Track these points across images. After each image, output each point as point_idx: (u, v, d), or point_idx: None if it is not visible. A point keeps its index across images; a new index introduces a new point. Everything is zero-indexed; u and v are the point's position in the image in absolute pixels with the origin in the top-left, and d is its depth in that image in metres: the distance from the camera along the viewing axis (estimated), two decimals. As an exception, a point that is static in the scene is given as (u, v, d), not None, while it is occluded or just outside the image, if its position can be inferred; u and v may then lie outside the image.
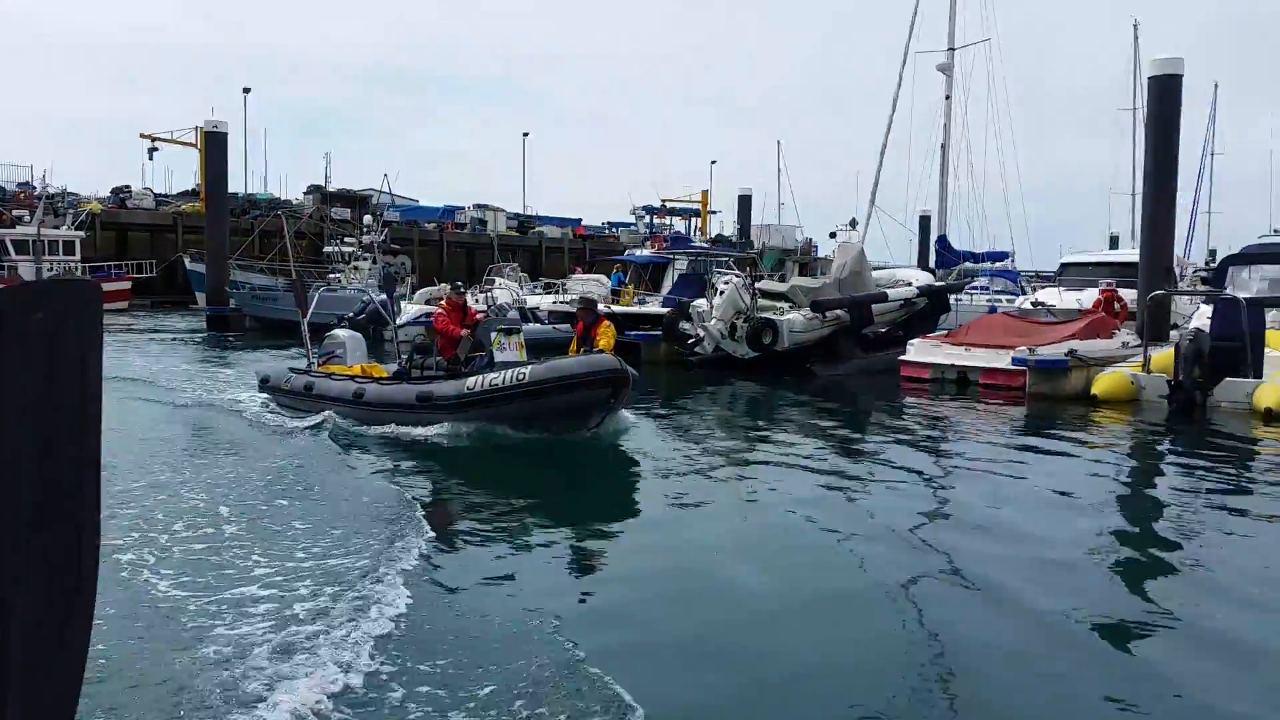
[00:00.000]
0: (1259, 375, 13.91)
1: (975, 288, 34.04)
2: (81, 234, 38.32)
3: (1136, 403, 14.34)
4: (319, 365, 13.73)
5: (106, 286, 37.62)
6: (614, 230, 71.56)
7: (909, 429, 13.16)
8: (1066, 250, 35.57)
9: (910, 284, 21.24)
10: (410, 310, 26.41)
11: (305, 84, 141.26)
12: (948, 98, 31.14)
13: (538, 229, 65.69)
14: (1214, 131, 61.01)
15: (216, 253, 29.88)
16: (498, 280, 30.39)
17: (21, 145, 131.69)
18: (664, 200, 79.18)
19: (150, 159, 49.09)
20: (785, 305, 19.37)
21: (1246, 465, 10.85)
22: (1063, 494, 9.03)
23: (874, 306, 19.42)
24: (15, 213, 37.66)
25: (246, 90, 58.53)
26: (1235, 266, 23.72)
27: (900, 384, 17.08)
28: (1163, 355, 14.76)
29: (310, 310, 14.82)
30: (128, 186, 51.68)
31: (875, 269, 25.87)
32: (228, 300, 29.15)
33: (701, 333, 18.51)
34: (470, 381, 11.16)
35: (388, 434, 11.34)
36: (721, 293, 18.73)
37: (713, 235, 70.23)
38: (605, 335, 11.92)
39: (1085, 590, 6.15)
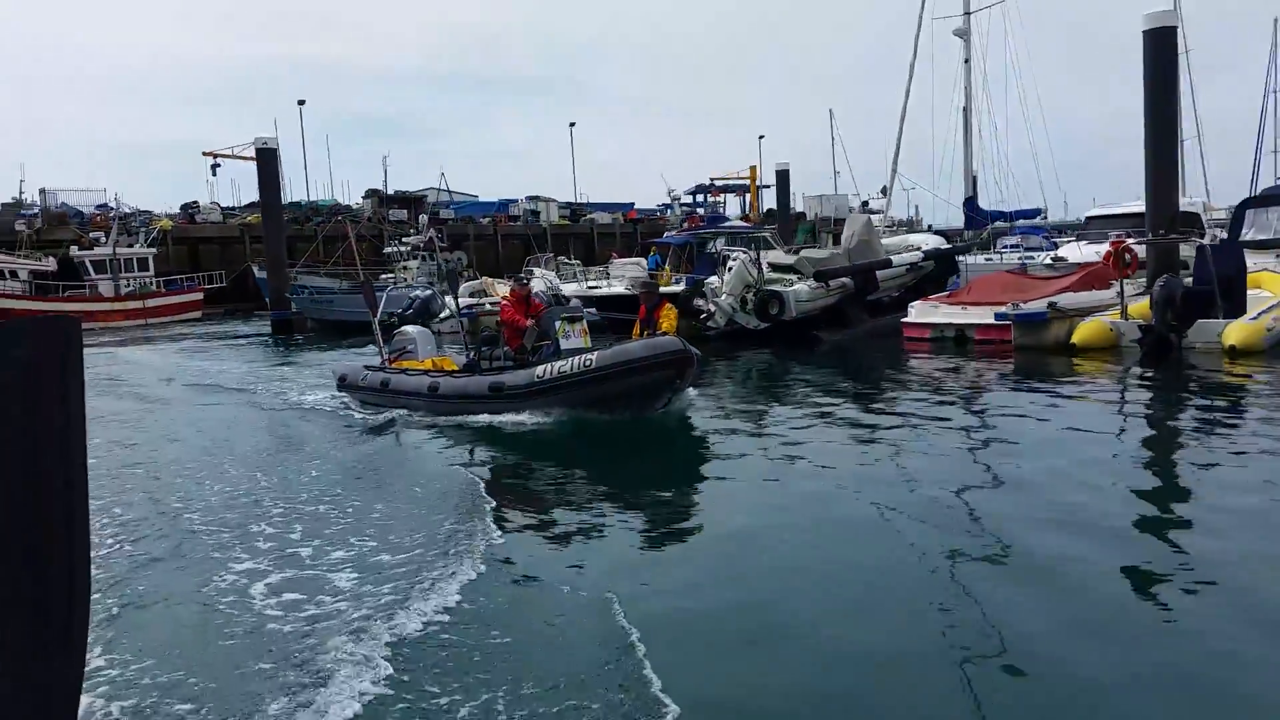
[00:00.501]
0: (1232, 316, 14.53)
1: (1007, 245, 34.43)
2: (154, 250, 40.66)
3: (1116, 349, 15.08)
4: (390, 362, 13.99)
5: (180, 298, 40.12)
6: (663, 213, 72.47)
7: (907, 387, 13.93)
8: (1100, 202, 35.60)
9: (919, 249, 21.99)
10: (451, 304, 27.91)
11: (361, 91, 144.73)
12: (966, 61, 31.65)
13: (589, 216, 66.98)
14: (1275, 68, 59.69)
15: (276, 261, 31.75)
16: (536, 270, 31.71)
17: (94, 171, 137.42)
18: (712, 179, 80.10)
19: (214, 175, 51.49)
20: (794, 277, 20.32)
21: (1209, 399, 11.70)
22: (1040, 439, 9.85)
23: (881, 273, 20.25)
24: (92, 235, 40.13)
25: (301, 102, 61.07)
26: (1254, 209, 24.00)
27: (903, 344, 17.96)
28: (1143, 303, 15.44)
29: (379, 309, 15.10)
30: (196, 202, 54.38)
31: (905, 230, 26.54)
32: (290, 305, 30.97)
33: (714, 308, 19.58)
34: (540, 370, 11.40)
35: (462, 424, 11.59)
36: (730, 269, 19.76)
37: (764, 210, 70.97)
38: (668, 317, 12.15)
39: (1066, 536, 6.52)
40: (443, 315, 27.41)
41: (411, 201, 59.07)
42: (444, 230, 51.52)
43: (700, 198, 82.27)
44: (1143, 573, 5.78)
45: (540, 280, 30.37)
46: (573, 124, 74.98)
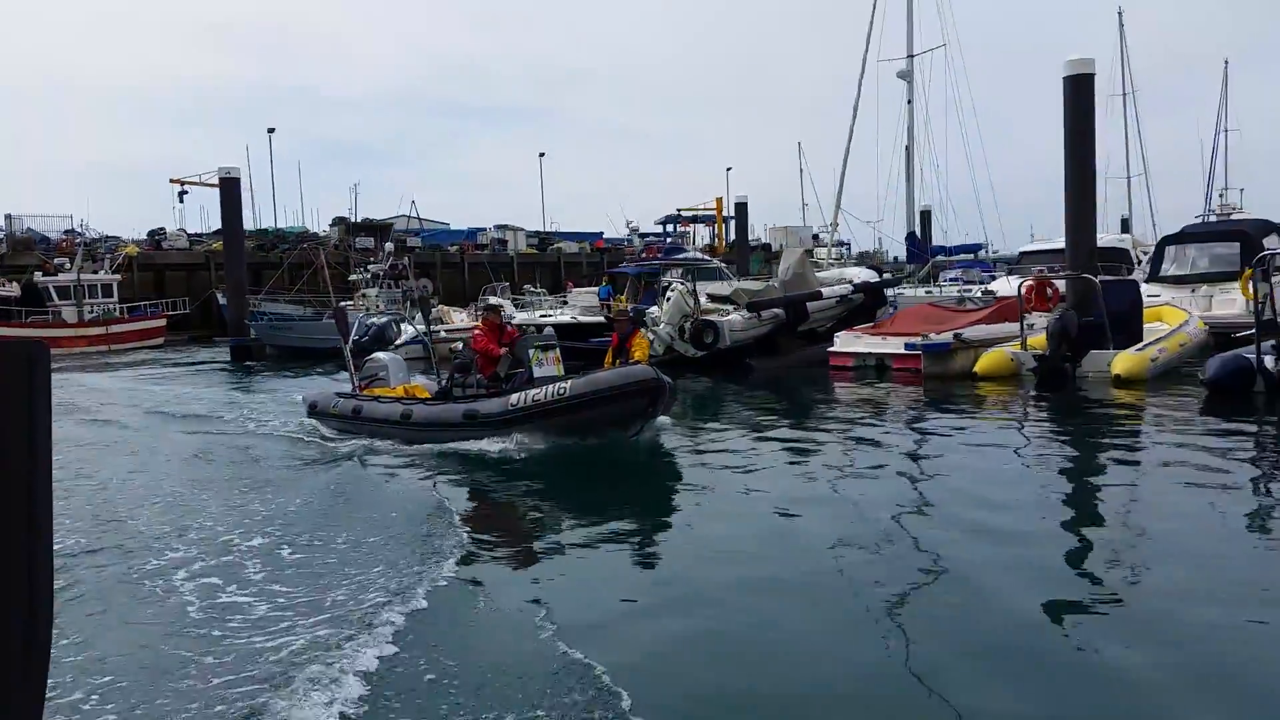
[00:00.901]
0: (1122, 347, 15.52)
1: (949, 278, 35.62)
2: (118, 277, 41.11)
3: (1016, 377, 16.03)
4: (362, 388, 13.85)
5: (143, 324, 40.53)
6: (629, 243, 73.56)
7: (828, 411, 14.65)
8: (1038, 237, 36.92)
9: (849, 283, 23.00)
10: (409, 331, 28.64)
11: (338, 117, 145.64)
12: (910, 102, 32.86)
13: (557, 245, 67.94)
14: (1226, 109, 61.92)
15: (235, 288, 32.38)
16: (491, 299, 32.51)
17: (64, 193, 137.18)
18: (679, 210, 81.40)
19: (181, 201, 52.04)
20: (730, 307, 21.24)
21: (1091, 421, 12.74)
22: (941, 457, 10.75)
23: (812, 304, 21.20)
24: (57, 261, 40.57)
25: (271, 130, 62.23)
26: (1173, 246, 25.23)
27: (829, 373, 18.88)
28: (1042, 335, 16.43)
29: (350, 336, 15.02)
30: (163, 229, 54.91)
31: (853, 263, 27.59)
32: (248, 331, 31.56)
33: (652, 336, 20.43)
34: (514, 398, 11.49)
35: (431, 451, 11.56)
36: (669, 299, 20.65)
37: (730, 241, 72.11)
38: (640, 347, 12.45)
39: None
40: (399, 342, 28.11)
41: (378, 229, 59.76)
42: (410, 258, 52.33)
43: (671, 227, 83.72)
44: (1039, 577, 6.35)
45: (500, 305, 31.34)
46: (542, 154, 76.28)
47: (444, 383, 13.12)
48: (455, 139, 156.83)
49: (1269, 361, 12.47)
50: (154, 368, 29.17)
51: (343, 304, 28.76)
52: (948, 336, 16.91)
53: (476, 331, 13.31)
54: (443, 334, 28.30)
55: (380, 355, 14.89)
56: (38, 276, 38.52)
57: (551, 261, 64.91)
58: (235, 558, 7.37)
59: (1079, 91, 22.79)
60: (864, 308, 22.33)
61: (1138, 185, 51.87)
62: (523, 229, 69.16)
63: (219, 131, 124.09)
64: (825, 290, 21.60)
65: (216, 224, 60.33)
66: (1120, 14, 51.14)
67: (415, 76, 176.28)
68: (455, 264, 60.09)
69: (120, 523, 8.89)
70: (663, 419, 12.20)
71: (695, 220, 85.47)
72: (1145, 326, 16.79)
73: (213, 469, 11.57)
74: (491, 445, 11.34)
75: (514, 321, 27.64)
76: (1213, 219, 31.47)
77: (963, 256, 36.11)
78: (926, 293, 29.19)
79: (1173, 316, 17.91)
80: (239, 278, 32.56)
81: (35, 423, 1.03)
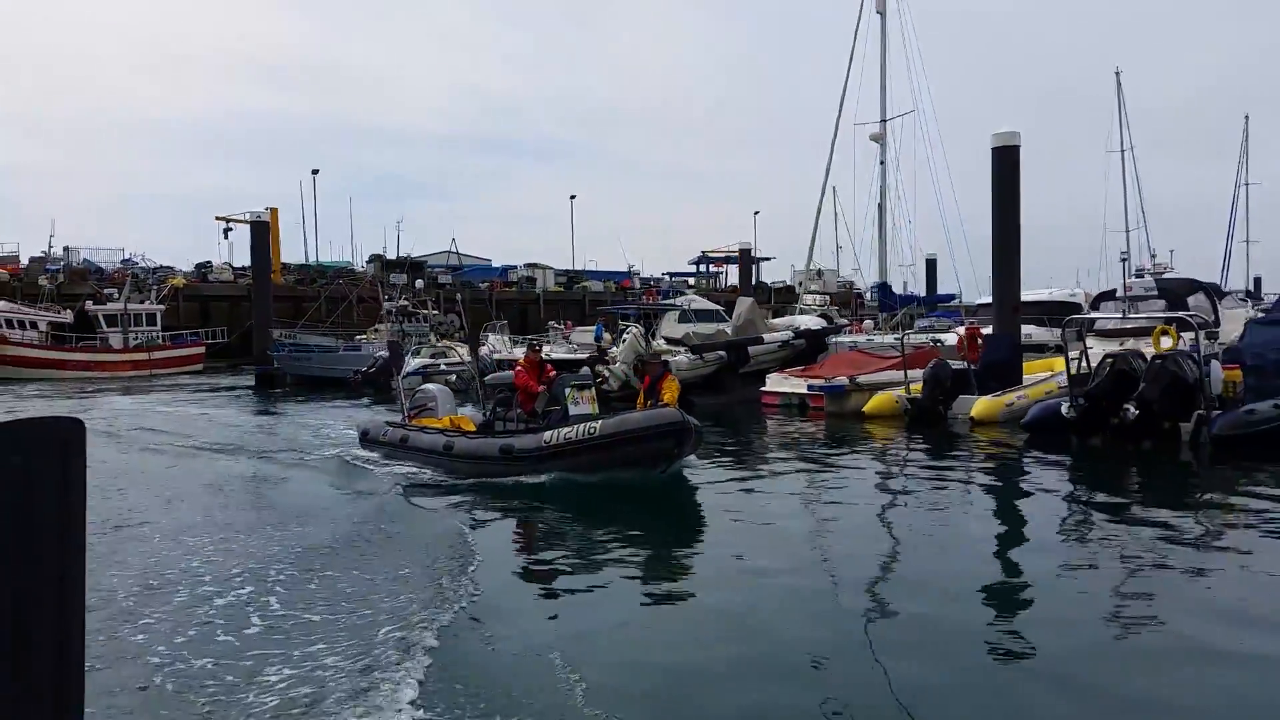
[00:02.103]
0: (989, 392, 17.73)
1: (923, 325, 37.77)
2: (162, 307, 44.61)
3: (899, 417, 18.31)
4: (411, 418, 14.41)
5: (183, 351, 43.89)
6: (654, 283, 76.21)
7: (747, 440, 17.16)
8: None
9: (791, 330, 25.40)
10: (413, 363, 31.43)
11: (388, 153, 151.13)
12: (882, 163, 35.23)
13: (583, 284, 70.83)
14: (1246, 163, 63.41)
15: (261, 321, 35.54)
16: (490, 336, 35.24)
17: (126, 222, 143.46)
18: (704, 251, 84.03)
19: (225, 238, 55.64)
20: (682, 349, 23.75)
21: (940, 453, 15.11)
22: (820, 477, 13.10)
23: (754, 348, 23.62)
24: (106, 291, 44.20)
25: (315, 171, 65.90)
26: (1107, 302, 27.34)
27: (762, 409, 21.28)
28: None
29: (404, 369, 16.15)
30: (209, 262, 58.82)
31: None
32: (271, 360, 34.63)
33: (608, 373, 22.98)
34: (547, 435, 11.90)
35: (472, 483, 12.08)
36: (624, 341, 23.21)
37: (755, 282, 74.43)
38: (670, 389, 12.72)
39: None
40: (404, 373, 30.90)
41: (411, 266, 63.13)
42: (440, 295, 55.56)
43: (703, 267, 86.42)
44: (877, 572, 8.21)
45: (490, 346, 34.06)
46: (573, 196, 79.34)
47: (487, 415, 13.82)
48: (501, 175, 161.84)
49: (1064, 409, 14.73)
50: (185, 392, 32.24)
51: (395, 338, 31.31)
52: (843, 380, 19.26)
53: (518, 368, 13.92)
54: (443, 367, 31.09)
55: (430, 387, 15.45)
56: (89, 305, 42.06)
57: (578, 299, 67.67)
58: (258, 588, 7.60)
59: (1004, 162, 25.04)
60: (807, 351, 24.67)
61: (1138, 239, 53.35)
62: (551, 268, 72.14)
63: (274, 167, 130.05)
64: (767, 336, 24.01)
65: (245, 260, 64.70)
66: (1118, 73, 52.98)
67: (462, 114, 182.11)
68: (484, 301, 63.11)
69: (128, 552, 9.07)
70: (690, 457, 12.65)
71: (727, 260, 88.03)
72: (1032, 375, 18.98)
73: (227, 497, 12.10)
74: (526, 479, 11.80)
75: (495, 357, 30.35)
76: (1148, 279, 33.32)
77: (941, 307, 38.19)
78: (867, 340, 31.39)
79: (1060, 366, 20.03)
80: (264, 311, 35.71)
81: (68, 504, 1.01)
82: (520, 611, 7.06)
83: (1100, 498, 11.53)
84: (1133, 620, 6.65)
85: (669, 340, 24.25)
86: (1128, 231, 54.04)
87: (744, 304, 25.23)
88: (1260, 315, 19.17)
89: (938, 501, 11.28)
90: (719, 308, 40.48)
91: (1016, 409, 17.11)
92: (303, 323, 43.76)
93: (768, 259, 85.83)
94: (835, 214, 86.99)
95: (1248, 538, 9.03)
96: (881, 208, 34.35)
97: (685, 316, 33.12)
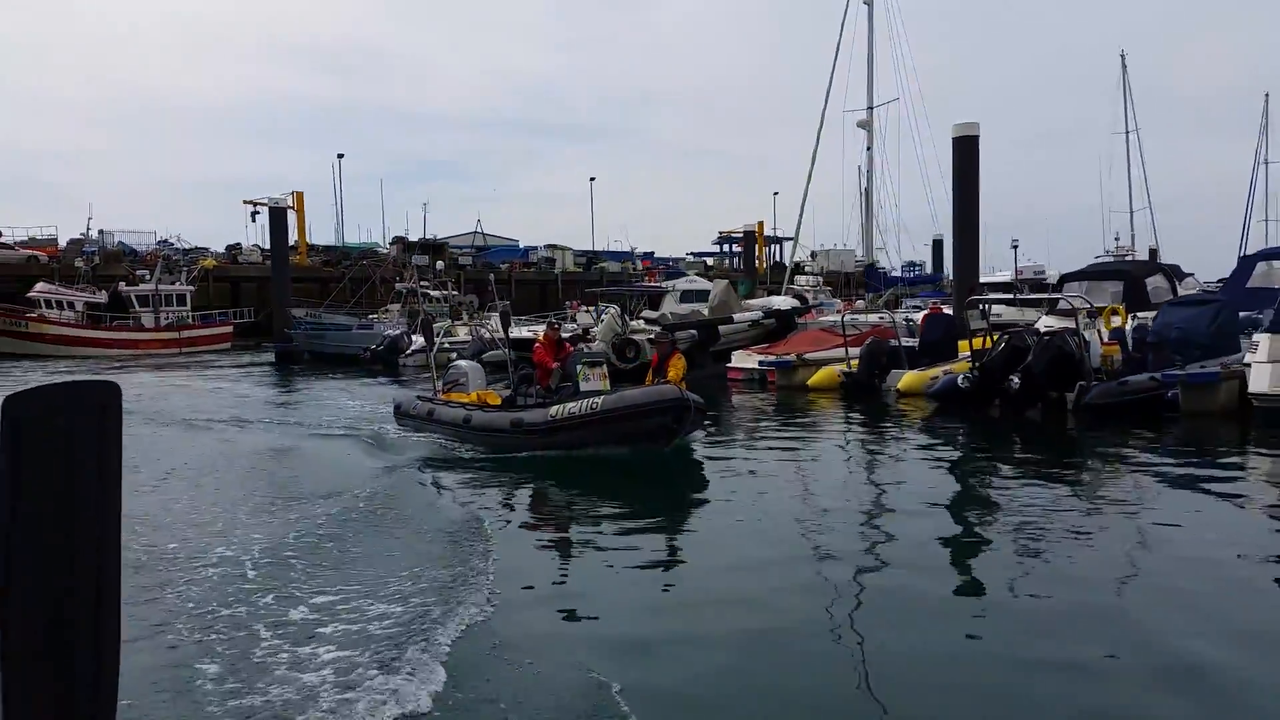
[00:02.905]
0: (923, 367, 19.30)
1: (912, 305, 39.18)
2: (192, 288, 46.91)
3: (837, 389, 19.96)
4: (443, 393, 15.04)
5: (212, 330, 46.19)
6: (659, 266, 77.59)
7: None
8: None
9: (761, 310, 27.04)
10: (419, 340, 33.37)
11: (420, 135, 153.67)
12: (869, 149, 36.62)
13: (601, 264, 72.58)
14: (1266, 141, 63.79)
15: (280, 301, 37.73)
16: (493, 317, 37.12)
17: (162, 206, 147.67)
18: (721, 233, 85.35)
19: (253, 220, 57.83)
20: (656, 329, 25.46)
21: (871, 420, 16.79)
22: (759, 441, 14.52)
23: (724, 327, 25.29)
24: (139, 272, 46.60)
25: (340, 156, 68.25)
26: (1071, 282, 28.68)
27: (728, 383, 23.01)
28: (867, 357, 20.27)
29: (435, 345, 17.08)
30: (239, 244, 61.27)
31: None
32: (290, 338, 36.78)
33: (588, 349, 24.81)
34: (554, 410, 12.44)
35: (486, 457, 12.69)
36: (603, 321, 24.99)
37: (771, 263, 75.74)
38: (675, 367, 13.05)
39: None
40: (409, 351, 32.88)
41: (432, 248, 65.19)
42: (462, 275, 57.63)
43: (726, 247, 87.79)
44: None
45: (487, 326, 35.92)
46: (593, 179, 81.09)
47: (512, 391, 14.42)
48: (532, 157, 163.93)
49: (959, 380, 16.35)
50: (209, 368, 34.43)
51: (429, 315, 33.01)
52: (790, 356, 20.93)
53: (537, 345, 14.60)
54: (446, 345, 32.98)
55: (462, 364, 16.07)
56: (122, 286, 44.41)
57: (595, 280, 69.34)
58: (270, 565, 7.68)
59: (964, 151, 26.56)
60: (778, 330, 26.30)
61: (1142, 219, 54.18)
62: (570, 249, 73.94)
63: (310, 149, 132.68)
64: (738, 316, 25.67)
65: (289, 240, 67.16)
66: (1123, 55, 53.92)
67: (495, 96, 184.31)
68: (504, 281, 64.99)
69: (156, 527, 9.17)
70: (697, 433, 13.16)
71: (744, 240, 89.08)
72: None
73: (246, 468, 12.71)
74: (535, 453, 12.41)
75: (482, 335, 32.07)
76: (1108, 259, 34.45)
77: (926, 288, 39.58)
78: (880, 319, 32.90)
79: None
80: (283, 291, 37.92)
81: (106, 462, 1.08)
82: (522, 573, 7.40)
83: (971, 455, 13.34)
84: (978, 557, 8.10)
85: (647, 320, 25.96)
86: (1131, 213, 54.95)
87: (719, 285, 26.92)
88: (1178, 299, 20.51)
89: (833, 457, 13.14)
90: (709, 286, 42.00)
91: (941, 382, 18.68)
92: (327, 302, 45.91)
93: (790, 239, 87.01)
94: (861, 191, 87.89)
95: (1091, 490, 10.64)
96: (867, 192, 35.79)
97: (686, 297, 34.88)
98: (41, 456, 1.03)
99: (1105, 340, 16.27)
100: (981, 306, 17.67)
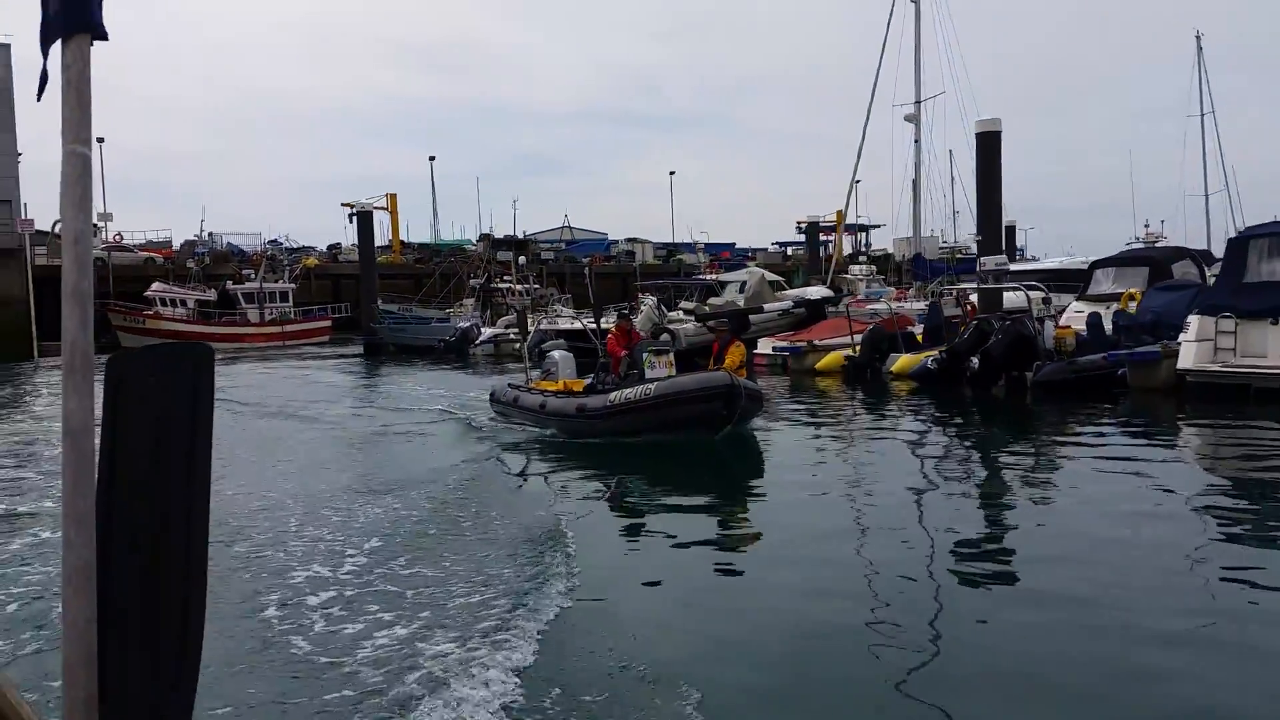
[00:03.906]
0: (915, 351, 21.04)
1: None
2: (293, 285, 50.74)
3: (842, 373, 21.83)
4: (536, 382, 15.70)
5: (312, 324, 49.81)
6: (750, 254, 79.15)
7: None
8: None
9: (792, 300, 28.93)
10: (487, 332, 36.21)
11: (521, 130, 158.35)
12: (916, 141, 37.94)
13: (679, 257, 74.74)
14: None
15: (367, 297, 41.06)
16: (558, 307, 39.70)
17: (273, 202, 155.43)
18: (798, 222, 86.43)
19: (350, 222, 61.77)
20: (693, 319, 27.64)
21: (869, 398, 18.77)
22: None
23: (755, 316, 27.26)
24: (245, 271, 50.73)
25: (432, 158, 72.37)
26: (1099, 270, 29.80)
27: (755, 367, 25.06)
28: (872, 342, 22.07)
29: (531, 337, 20.21)
30: (339, 244, 65.49)
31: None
32: (375, 332, 40.02)
33: (629, 339, 27.14)
34: (613, 395, 12.97)
35: (558, 443, 13.52)
36: (641, 312, 27.27)
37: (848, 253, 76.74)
38: (732, 354, 13.53)
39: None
40: (479, 340, 35.69)
41: (516, 244, 68.33)
42: (544, 270, 60.71)
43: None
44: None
45: (554, 314, 38.51)
46: (672, 172, 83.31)
47: (593, 379, 14.91)
48: (628, 148, 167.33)
49: (929, 362, 18.13)
50: (305, 359, 37.72)
51: (524, 308, 35.04)
52: (802, 343, 22.88)
53: (610, 335, 15.34)
54: (511, 335, 35.67)
55: (555, 354, 16.53)
56: (229, 285, 48.52)
57: (673, 272, 71.50)
58: (349, 561, 7.75)
59: (987, 146, 27.86)
60: (808, 318, 28.18)
61: (1218, 201, 53.74)
62: (650, 241, 76.34)
63: (416, 148, 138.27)
64: (768, 306, 27.65)
65: (385, 239, 71.23)
66: (1199, 36, 53.35)
67: (593, 89, 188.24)
68: (583, 275, 67.62)
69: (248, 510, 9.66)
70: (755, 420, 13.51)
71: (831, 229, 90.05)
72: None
73: (327, 455, 13.50)
74: (595, 438, 13.05)
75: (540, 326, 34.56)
76: (1139, 246, 34.93)
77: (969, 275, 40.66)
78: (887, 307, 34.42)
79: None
80: (371, 289, 41.27)
81: (198, 417, 1.14)
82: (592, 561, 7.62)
83: (930, 426, 15.36)
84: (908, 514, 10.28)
85: (685, 310, 28.14)
86: (1206, 196, 54.53)
87: (754, 277, 28.96)
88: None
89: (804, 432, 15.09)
90: (777, 279, 43.81)
91: (928, 367, 20.42)
92: (418, 297, 49.22)
93: (877, 226, 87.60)
94: (952, 179, 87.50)
95: (1023, 454, 12.61)
96: (916, 183, 37.16)
97: (744, 287, 36.90)
98: (140, 410, 1.10)
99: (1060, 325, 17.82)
100: (956, 293, 19.34)
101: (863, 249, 60.97)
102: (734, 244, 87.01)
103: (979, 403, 17.19)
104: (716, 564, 7.83)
